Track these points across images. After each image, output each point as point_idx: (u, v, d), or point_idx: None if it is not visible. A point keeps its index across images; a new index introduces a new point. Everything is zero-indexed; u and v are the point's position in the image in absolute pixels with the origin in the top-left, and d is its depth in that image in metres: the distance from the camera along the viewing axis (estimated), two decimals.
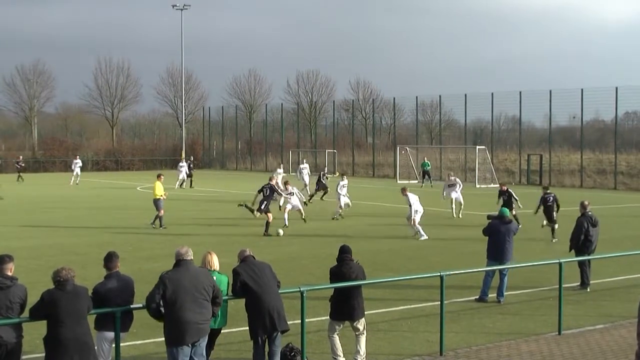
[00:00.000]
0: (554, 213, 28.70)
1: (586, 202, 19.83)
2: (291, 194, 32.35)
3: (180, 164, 60.26)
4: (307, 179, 51.72)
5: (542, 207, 29.05)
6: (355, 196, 48.62)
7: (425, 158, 65.18)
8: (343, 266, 12.84)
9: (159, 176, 33.14)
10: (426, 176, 61.97)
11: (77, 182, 62.39)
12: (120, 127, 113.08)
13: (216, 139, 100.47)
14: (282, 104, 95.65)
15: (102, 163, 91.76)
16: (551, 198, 28.96)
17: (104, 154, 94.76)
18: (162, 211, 31.89)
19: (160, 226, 31.60)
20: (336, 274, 12.85)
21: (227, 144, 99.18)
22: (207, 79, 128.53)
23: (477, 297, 17.82)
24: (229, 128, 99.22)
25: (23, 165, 71.68)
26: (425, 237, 28.42)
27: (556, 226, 28.23)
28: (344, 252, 13.00)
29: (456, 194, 36.63)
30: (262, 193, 30.74)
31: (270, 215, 30.33)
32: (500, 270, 17.61)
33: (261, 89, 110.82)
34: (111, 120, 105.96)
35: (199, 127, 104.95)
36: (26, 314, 10.22)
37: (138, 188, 58.04)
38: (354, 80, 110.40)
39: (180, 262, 10.82)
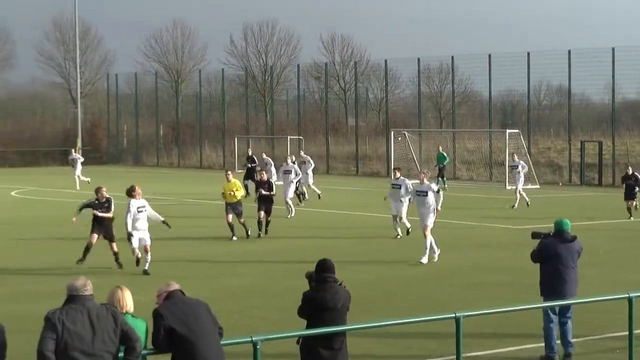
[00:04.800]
0: None
1: None
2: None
3: (76, 156, 62.64)
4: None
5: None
6: (329, 202, 48.45)
7: (441, 148, 64.74)
8: (326, 290, 12.61)
9: (228, 173, 35.20)
10: (440, 175, 60.61)
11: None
12: None
13: (127, 122, 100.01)
14: (222, 70, 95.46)
15: None
16: None
17: None
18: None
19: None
20: (315, 302, 12.59)
21: (143, 129, 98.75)
22: (113, 35, 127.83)
23: (543, 355, 17.40)
24: (145, 105, 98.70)
25: None
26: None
27: None
28: (325, 269, 12.76)
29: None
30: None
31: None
32: (561, 312, 17.23)
33: (192, 48, 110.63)
34: None
35: (101, 103, 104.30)
36: None
37: (13, 193, 57.59)
38: (328, 35, 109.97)
39: (73, 298, 10.65)
